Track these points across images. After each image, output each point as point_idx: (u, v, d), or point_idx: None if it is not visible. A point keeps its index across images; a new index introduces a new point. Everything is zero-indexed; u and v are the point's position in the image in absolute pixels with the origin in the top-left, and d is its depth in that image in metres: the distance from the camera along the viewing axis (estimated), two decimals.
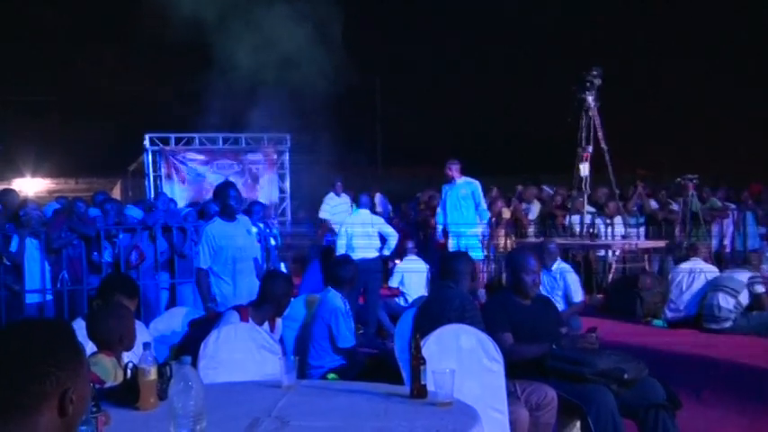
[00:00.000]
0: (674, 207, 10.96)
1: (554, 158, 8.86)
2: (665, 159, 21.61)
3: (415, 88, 22.48)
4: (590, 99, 9.82)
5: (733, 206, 11.30)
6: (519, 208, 11.33)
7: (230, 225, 5.67)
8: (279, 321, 4.60)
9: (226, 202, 5.66)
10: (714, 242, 10.70)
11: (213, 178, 13.73)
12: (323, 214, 11.42)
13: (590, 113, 9.82)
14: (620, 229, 10.63)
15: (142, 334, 3.60)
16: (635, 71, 21.39)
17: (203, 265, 5.60)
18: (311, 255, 9.72)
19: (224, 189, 5.76)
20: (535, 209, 11.49)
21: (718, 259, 10.01)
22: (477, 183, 9.56)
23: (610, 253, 10.24)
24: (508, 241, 11.25)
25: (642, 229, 11.02)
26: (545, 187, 12.03)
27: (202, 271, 5.61)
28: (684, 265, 8.07)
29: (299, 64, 11.97)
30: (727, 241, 11.00)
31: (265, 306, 4.40)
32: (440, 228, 9.72)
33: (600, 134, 9.85)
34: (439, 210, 9.79)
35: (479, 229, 9.72)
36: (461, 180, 9.50)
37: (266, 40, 11.80)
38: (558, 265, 7.08)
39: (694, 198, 10.04)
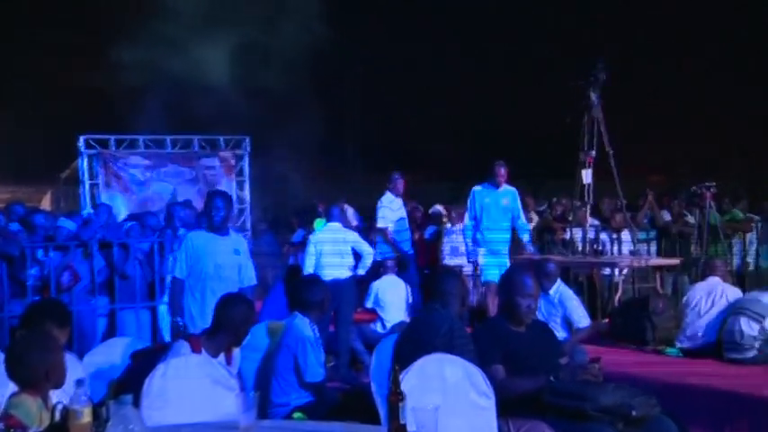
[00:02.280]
0: (690, 219, 11.08)
1: (553, 164, 8.95)
2: (680, 165, 22.06)
3: (396, 86, 22.67)
4: (593, 96, 9.90)
5: (757, 218, 11.42)
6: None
7: (215, 238, 5.94)
8: (237, 352, 4.59)
9: (209, 212, 5.96)
10: (736, 259, 10.83)
11: (159, 187, 13.65)
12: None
13: (593, 112, 9.89)
14: (627, 245, 10.73)
15: (74, 369, 3.58)
16: (641, 67, 21.84)
17: (179, 275, 5.91)
18: (275, 275, 9.70)
19: (210, 198, 6.11)
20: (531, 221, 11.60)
21: (741, 279, 10.14)
22: (516, 192, 9.41)
23: (616, 272, 10.33)
24: None
25: (653, 245, 11.14)
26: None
27: (177, 281, 5.91)
28: (702, 286, 8.16)
29: (263, 56, 12.01)
30: (750, 258, 11.12)
31: (221, 334, 4.39)
32: (468, 243, 9.46)
33: (604, 136, 9.94)
34: (468, 219, 9.43)
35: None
36: (503, 187, 9.30)
37: (226, 29, 11.84)
38: (558, 287, 7.14)
39: (713, 209, 10.15)
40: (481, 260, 9.26)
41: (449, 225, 10.69)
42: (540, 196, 13.01)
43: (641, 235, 10.96)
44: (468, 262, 9.77)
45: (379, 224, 9.60)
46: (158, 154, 14.26)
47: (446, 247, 10.56)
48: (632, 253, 10.57)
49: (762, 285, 8.40)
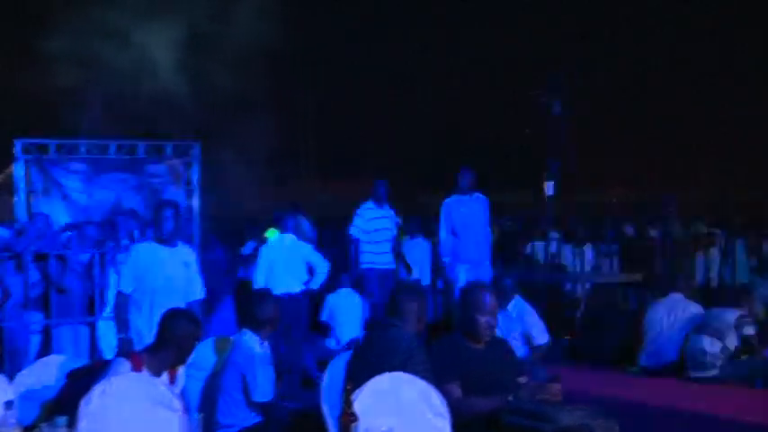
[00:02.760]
0: (653, 233, 11.23)
1: (514, 174, 9.00)
2: (644, 177, 22.45)
3: (357, 90, 22.73)
4: (556, 106, 10.04)
5: (720, 232, 11.59)
6: None
7: (164, 250, 5.92)
8: (181, 370, 4.56)
9: (157, 223, 5.96)
10: (698, 275, 10.99)
11: (101, 195, 13.44)
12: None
13: (556, 123, 10.04)
14: (590, 260, 10.86)
15: (3, 390, 3.50)
16: (604, 77, 22.21)
17: (125, 289, 5.91)
18: (223, 289, 9.62)
19: (158, 208, 6.13)
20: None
21: (703, 295, 10.29)
22: (486, 199, 9.25)
23: (579, 287, 10.45)
24: None
25: (616, 260, 11.27)
26: None
27: (122, 295, 5.90)
28: (664, 302, 8.24)
29: (214, 54, 11.92)
30: (713, 274, 11.29)
31: (164, 352, 4.35)
32: (446, 259, 9.22)
33: (568, 146, 10.08)
34: (444, 233, 9.20)
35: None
36: (476, 195, 9.11)
37: (175, 26, 11.72)
38: (516, 302, 7.20)
39: (675, 223, 10.29)
40: (462, 276, 8.86)
41: (408, 237, 10.69)
42: (502, 208, 13.11)
43: (604, 249, 11.07)
44: (441, 278, 9.62)
45: (351, 231, 9.47)
46: (101, 160, 14.04)
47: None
48: (594, 268, 10.70)
49: (725, 302, 8.52)
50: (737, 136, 22.34)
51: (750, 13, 21.12)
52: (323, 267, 8.49)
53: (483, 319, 4.30)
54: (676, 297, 8.23)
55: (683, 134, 23.11)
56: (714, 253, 11.27)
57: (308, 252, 8.56)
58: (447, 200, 9.23)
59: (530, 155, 10.49)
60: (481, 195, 9.16)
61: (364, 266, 9.25)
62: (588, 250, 10.87)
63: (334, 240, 12.76)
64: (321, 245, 10.08)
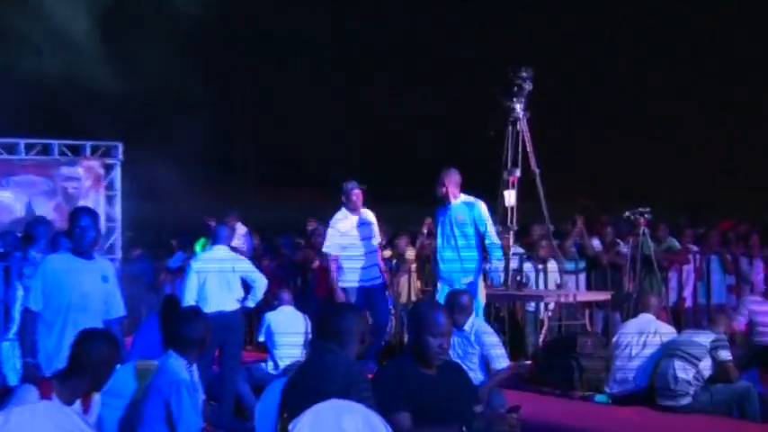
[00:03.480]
0: (623, 249, 11.36)
1: (472, 183, 9.01)
2: (613, 188, 22.75)
3: (296, 89, 22.72)
4: (518, 108, 10.05)
5: (695, 249, 11.76)
6: (428, 246, 11.53)
7: (79, 262, 5.84)
8: (96, 398, 4.52)
9: (74, 232, 5.85)
10: (671, 294, 11.15)
11: (9, 200, 13.23)
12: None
13: (518, 126, 10.06)
14: (554, 277, 10.96)
15: None
16: (571, 80, 22.62)
17: (33, 307, 5.78)
18: (147, 306, 9.53)
19: (74, 216, 5.99)
20: None
21: (676, 316, 10.44)
22: (480, 204, 8.82)
23: (542, 306, 10.53)
24: (412, 290, 11.40)
25: (582, 277, 11.39)
26: None
27: (30, 313, 5.79)
28: (633, 324, 8.36)
29: (138, 42, 11.82)
30: (687, 293, 11.46)
31: (77, 377, 4.31)
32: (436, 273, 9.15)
33: (530, 153, 10.13)
34: (439, 242, 8.99)
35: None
36: (458, 201, 8.79)
37: (93, 16, 11.61)
38: (473, 322, 7.23)
39: (647, 237, 10.41)
40: (438, 293, 8.63)
41: None
42: None
43: (569, 266, 11.18)
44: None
45: (324, 249, 9.39)
46: (8, 161, 13.80)
47: None
48: (559, 286, 10.79)
49: (699, 324, 8.66)
50: (718, 141, 22.92)
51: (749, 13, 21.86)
52: (260, 283, 8.46)
53: (435, 342, 4.31)
54: (647, 318, 8.33)
55: (657, 142, 23.60)
56: (689, 270, 11.44)
57: (243, 266, 8.53)
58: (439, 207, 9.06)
59: (490, 160, 10.51)
60: (469, 202, 8.86)
61: (345, 285, 9.16)
62: (552, 266, 10.97)
63: (273, 252, 12.75)
64: (258, 258, 10.06)
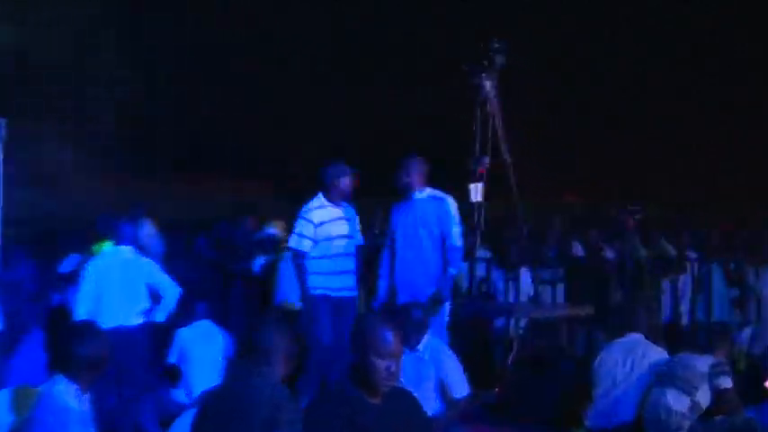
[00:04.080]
0: (609, 254, 11.45)
1: (433, 175, 8.98)
2: (601, 182, 23.30)
3: (222, 61, 22.94)
4: (488, 85, 9.88)
5: (694, 256, 11.86)
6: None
7: None
8: None
9: None
10: (665, 309, 11.25)
11: None
12: None
13: (487, 108, 9.91)
14: (527, 287, 11.01)
15: None
16: (575, 77, 23.94)
17: None
18: (29, 320, 9.42)
19: None
20: None
21: (670, 336, 10.55)
22: (449, 200, 8.88)
23: (511, 322, 10.57)
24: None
25: (561, 288, 11.45)
26: None
27: None
28: (619, 345, 8.40)
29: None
30: (683, 308, 11.56)
31: None
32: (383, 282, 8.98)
33: (501, 139, 10.03)
34: (398, 243, 8.91)
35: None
36: (424, 194, 8.84)
37: None
38: (429, 341, 7.22)
39: (637, 241, 10.48)
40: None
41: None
42: None
43: (545, 274, 11.23)
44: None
45: (290, 243, 8.94)
46: None
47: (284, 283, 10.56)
48: (533, 298, 10.83)
49: (696, 346, 8.74)
50: (718, 139, 24.18)
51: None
52: (172, 292, 8.43)
53: (382, 364, 4.30)
54: (635, 338, 8.39)
55: (648, 134, 24.73)
56: (685, 281, 11.55)
57: (151, 271, 8.50)
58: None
59: (456, 148, 10.45)
60: (438, 197, 8.95)
61: (315, 293, 8.74)
62: (525, 275, 11.00)
63: (188, 255, 12.65)
64: (169, 261, 9.98)
